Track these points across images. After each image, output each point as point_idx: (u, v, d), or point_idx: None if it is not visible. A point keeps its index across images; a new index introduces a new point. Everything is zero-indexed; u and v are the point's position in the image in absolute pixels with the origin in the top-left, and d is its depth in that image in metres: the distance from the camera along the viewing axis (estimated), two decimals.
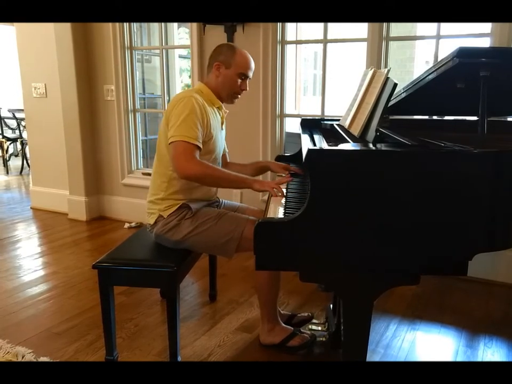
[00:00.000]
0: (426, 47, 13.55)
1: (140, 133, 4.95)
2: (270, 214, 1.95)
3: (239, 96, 2.56)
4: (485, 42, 3.28)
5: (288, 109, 4.14)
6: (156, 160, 2.50)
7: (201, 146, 2.32)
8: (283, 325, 2.62)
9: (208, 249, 2.48)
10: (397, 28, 3.84)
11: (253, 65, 2.52)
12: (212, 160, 2.47)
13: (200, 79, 4.15)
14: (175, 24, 5.88)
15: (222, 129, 2.61)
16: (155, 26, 5.76)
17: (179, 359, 2.38)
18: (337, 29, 6.23)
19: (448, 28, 3.55)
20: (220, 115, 2.56)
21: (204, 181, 2.36)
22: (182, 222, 2.39)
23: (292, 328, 2.60)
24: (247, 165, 2.81)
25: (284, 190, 2.23)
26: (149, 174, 4.74)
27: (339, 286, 1.80)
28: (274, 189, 2.20)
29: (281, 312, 2.76)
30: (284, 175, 2.62)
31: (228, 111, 2.65)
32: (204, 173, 2.26)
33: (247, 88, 2.54)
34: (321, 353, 2.56)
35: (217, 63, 2.46)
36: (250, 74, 2.52)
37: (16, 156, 9.15)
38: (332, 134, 2.55)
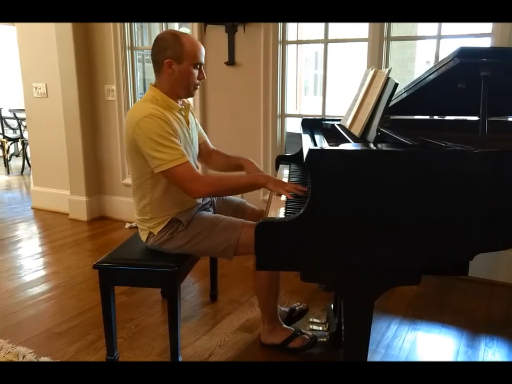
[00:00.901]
0: (427, 47, 13.56)
1: None
2: (271, 214, 1.95)
3: (199, 86, 2.37)
4: (486, 42, 3.27)
5: (289, 109, 4.14)
6: (133, 182, 2.36)
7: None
8: (284, 325, 2.62)
9: (207, 255, 2.46)
10: (398, 28, 3.84)
11: (203, 49, 2.28)
12: None
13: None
14: (176, 24, 5.86)
15: (189, 128, 2.40)
16: (156, 26, 5.76)
17: (180, 359, 2.37)
18: (338, 29, 6.21)
19: (449, 27, 3.55)
20: (182, 115, 2.36)
21: (217, 194, 2.32)
22: (175, 235, 2.32)
23: (293, 329, 2.60)
24: (229, 159, 2.68)
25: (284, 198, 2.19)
26: None
27: (340, 286, 1.80)
28: (289, 192, 2.06)
29: (282, 309, 2.75)
30: (285, 174, 2.62)
31: (189, 103, 2.46)
32: (215, 189, 2.21)
33: (205, 76, 2.34)
34: (322, 353, 2.56)
35: (168, 60, 2.21)
36: (203, 59, 2.30)
37: (17, 156, 9.15)
38: (332, 134, 2.55)
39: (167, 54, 2.21)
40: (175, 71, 2.24)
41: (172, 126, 2.19)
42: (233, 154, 2.71)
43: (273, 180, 2.20)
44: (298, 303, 2.88)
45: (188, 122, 2.41)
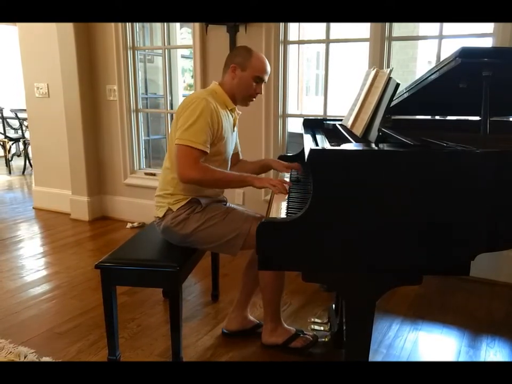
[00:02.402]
0: (428, 47, 13.51)
1: (143, 133, 4.95)
2: (273, 214, 1.95)
3: (254, 99, 2.56)
4: (487, 43, 3.27)
5: (291, 109, 4.14)
6: (168, 157, 2.50)
7: (208, 151, 2.32)
8: (285, 325, 2.62)
9: (214, 245, 2.46)
10: (399, 28, 3.84)
11: (269, 69, 2.51)
12: (221, 161, 2.50)
13: (202, 79, 4.17)
14: (178, 24, 5.86)
15: (233, 131, 2.61)
16: (157, 26, 5.75)
17: (182, 359, 2.38)
18: (340, 29, 6.22)
19: (450, 28, 3.54)
20: (232, 117, 2.56)
21: (204, 184, 2.39)
22: (191, 216, 2.39)
23: (295, 329, 2.60)
24: (253, 163, 2.84)
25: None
26: (151, 174, 4.77)
27: (341, 286, 1.80)
28: (274, 186, 2.21)
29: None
30: (287, 174, 2.64)
31: (240, 113, 2.64)
32: (203, 177, 2.28)
33: (262, 92, 2.55)
34: (323, 353, 2.56)
35: (234, 65, 2.45)
36: (266, 78, 2.52)
37: (19, 156, 9.15)
38: (334, 134, 2.55)
39: (236, 60, 2.47)
40: (237, 76, 2.47)
41: (218, 117, 2.38)
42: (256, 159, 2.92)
43: (258, 178, 2.35)
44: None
45: (234, 125, 2.61)
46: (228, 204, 2.71)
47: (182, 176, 2.28)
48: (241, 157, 2.86)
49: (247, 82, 2.46)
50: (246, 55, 2.45)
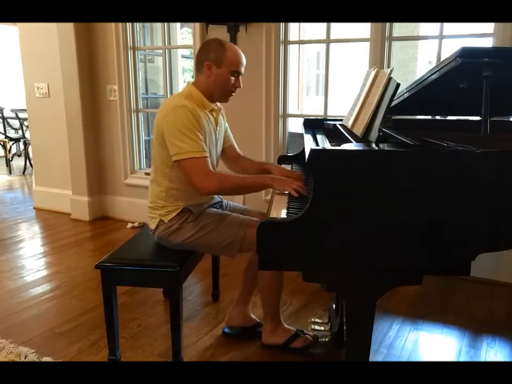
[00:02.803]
0: (429, 47, 13.51)
1: (143, 133, 4.95)
2: (273, 214, 1.95)
3: (233, 94, 2.46)
4: (488, 43, 3.27)
5: (291, 109, 4.14)
6: (153, 170, 2.45)
7: (209, 155, 2.29)
8: (286, 325, 2.62)
9: (212, 250, 2.48)
10: (400, 28, 3.84)
11: (244, 60, 2.40)
12: None
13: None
14: (178, 24, 5.86)
15: (217, 130, 2.51)
16: (158, 26, 5.76)
17: (182, 359, 2.38)
18: (340, 29, 6.22)
19: (451, 28, 3.54)
20: (213, 117, 2.46)
21: (224, 193, 2.39)
22: (184, 226, 2.37)
23: (295, 329, 2.60)
24: (253, 164, 2.75)
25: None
26: None
27: (342, 286, 1.80)
28: (295, 190, 2.11)
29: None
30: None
31: (222, 107, 2.57)
32: (222, 187, 2.25)
33: (241, 85, 2.44)
34: (324, 353, 2.56)
35: (208, 62, 2.34)
36: (243, 70, 2.41)
37: (19, 156, 9.15)
38: (334, 134, 2.55)
39: (210, 57, 2.34)
40: (213, 73, 2.35)
41: (200, 121, 2.28)
42: (258, 160, 2.81)
43: (279, 179, 2.25)
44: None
45: (216, 124, 2.50)
46: (227, 204, 2.73)
47: (201, 190, 2.24)
48: (238, 151, 2.79)
49: (225, 78, 2.36)
50: (219, 50, 2.33)
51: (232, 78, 2.38)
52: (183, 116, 2.22)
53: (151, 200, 2.46)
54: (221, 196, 2.71)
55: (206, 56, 2.35)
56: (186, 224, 2.37)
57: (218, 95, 2.42)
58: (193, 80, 2.47)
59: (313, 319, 2.72)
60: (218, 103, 2.53)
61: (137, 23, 4.73)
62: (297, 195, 2.09)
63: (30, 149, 6.71)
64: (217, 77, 2.36)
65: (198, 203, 2.44)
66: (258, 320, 2.77)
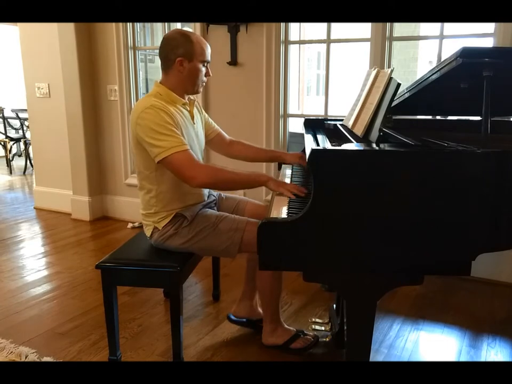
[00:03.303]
0: (429, 47, 13.52)
1: None
2: (274, 214, 1.95)
3: (204, 83, 2.45)
4: (488, 43, 3.27)
5: (292, 109, 4.14)
6: (138, 177, 2.41)
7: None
8: (286, 326, 2.61)
9: (210, 253, 2.47)
10: (400, 28, 3.85)
11: (209, 47, 2.37)
12: None
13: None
14: (179, 24, 5.87)
15: (193, 123, 2.46)
16: (158, 26, 5.78)
17: (182, 359, 2.38)
18: (341, 29, 6.23)
19: (451, 28, 3.54)
20: (186, 111, 2.42)
21: (217, 186, 2.31)
22: (179, 231, 2.34)
23: (295, 330, 2.60)
24: (260, 150, 2.76)
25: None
26: None
27: (342, 286, 1.80)
28: (290, 192, 2.10)
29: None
30: (287, 174, 2.63)
31: (195, 99, 2.53)
32: (214, 178, 2.20)
33: (211, 74, 2.42)
34: (324, 353, 2.56)
35: (180, 58, 2.28)
36: (210, 58, 2.38)
37: (20, 156, 9.16)
38: (335, 134, 2.55)
39: (179, 52, 2.28)
40: (186, 68, 2.31)
41: (173, 117, 2.24)
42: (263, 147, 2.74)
43: (274, 179, 2.24)
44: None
45: (192, 117, 2.46)
46: (221, 196, 2.70)
47: (192, 181, 2.18)
48: (228, 138, 2.76)
49: (197, 70, 2.33)
50: (186, 44, 2.28)
51: (203, 69, 2.37)
52: (154, 115, 2.18)
53: (143, 207, 2.43)
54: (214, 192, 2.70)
55: (175, 52, 2.29)
56: (182, 229, 2.34)
57: (192, 88, 2.39)
58: (158, 80, 2.42)
59: (313, 319, 2.72)
60: (190, 96, 2.49)
61: (138, 23, 4.73)
62: (294, 197, 2.08)
63: (30, 149, 6.73)
64: (190, 70, 2.32)
65: (191, 204, 2.41)
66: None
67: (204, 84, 2.44)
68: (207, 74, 2.40)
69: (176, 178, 2.27)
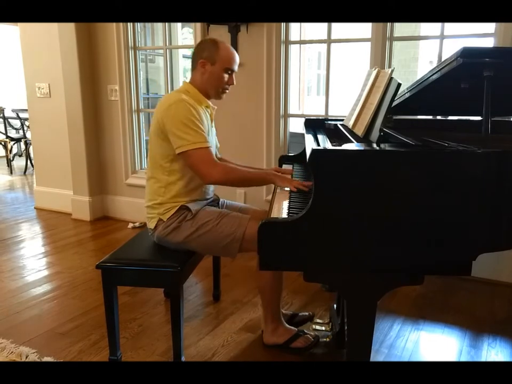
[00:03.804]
0: (430, 47, 13.52)
1: (144, 133, 4.94)
2: (274, 214, 1.95)
3: (227, 91, 2.52)
4: (489, 43, 3.27)
5: (292, 109, 4.14)
6: (150, 166, 2.47)
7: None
8: (286, 325, 2.62)
9: (211, 250, 2.48)
10: (401, 28, 3.85)
11: (237, 58, 2.47)
12: None
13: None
14: (179, 24, 5.87)
15: (212, 126, 2.57)
16: (159, 26, 5.76)
17: (183, 359, 2.38)
18: (341, 29, 6.22)
19: (452, 28, 3.54)
20: (208, 113, 2.52)
21: (228, 184, 2.39)
22: (182, 224, 2.37)
23: (296, 329, 2.60)
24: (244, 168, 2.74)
25: (288, 189, 2.25)
26: None
27: (343, 286, 1.80)
28: (296, 188, 2.20)
29: (283, 312, 2.75)
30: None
31: (215, 107, 2.60)
32: (227, 177, 2.29)
33: (234, 82, 2.50)
34: (325, 353, 2.56)
35: (202, 60, 2.41)
36: (236, 67, 2.48)
37: (20, 156, 9.16)
38: (335, 134, 2.55)
39: (203, 55, 2.41)
40: (207, 71, 2.42)
41: (200, 115, 2.34)
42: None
43: (280, 176, 2.33)
44: (306, 313, 2.86)
45: (212, 120, 2.57)
46: (223, 202, 2.73)
47: (207, 179, 2.29)
48: (219, 155, 2.80)
49: (218, 75, 2.42)
50: (212, 48, 2.40)
51: (226, 75, 2.44)
52: (185, 109, 2.28)
53: (150, 198, 2.47)
54: (217, 194, 2.73)
55: (200, 54, 2.42)
56: (185, 222, 2.37)
57: (213, 92, 2.48)
58: (189, 79, 2.53)
59: (314, 319, 2.72)
60: (212, 104, 2.56)
61: (138, 23, 4.73)
62: (296, 190, 2.18)
63: (31, 149, 6.72)
64: (211, 74, 2.42)
65: (196, 199, 2.46)
66: (291, 312, 2.85)
67: (226, 91, 2.52)
68: (229, 82, 2.48)
69: (188, 172, 2.37)
